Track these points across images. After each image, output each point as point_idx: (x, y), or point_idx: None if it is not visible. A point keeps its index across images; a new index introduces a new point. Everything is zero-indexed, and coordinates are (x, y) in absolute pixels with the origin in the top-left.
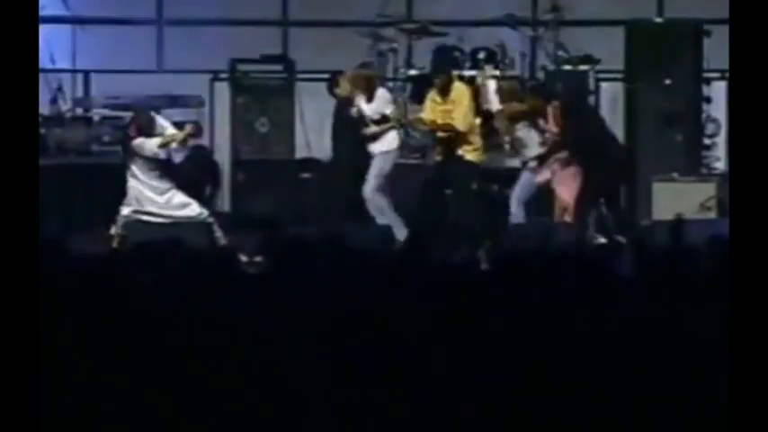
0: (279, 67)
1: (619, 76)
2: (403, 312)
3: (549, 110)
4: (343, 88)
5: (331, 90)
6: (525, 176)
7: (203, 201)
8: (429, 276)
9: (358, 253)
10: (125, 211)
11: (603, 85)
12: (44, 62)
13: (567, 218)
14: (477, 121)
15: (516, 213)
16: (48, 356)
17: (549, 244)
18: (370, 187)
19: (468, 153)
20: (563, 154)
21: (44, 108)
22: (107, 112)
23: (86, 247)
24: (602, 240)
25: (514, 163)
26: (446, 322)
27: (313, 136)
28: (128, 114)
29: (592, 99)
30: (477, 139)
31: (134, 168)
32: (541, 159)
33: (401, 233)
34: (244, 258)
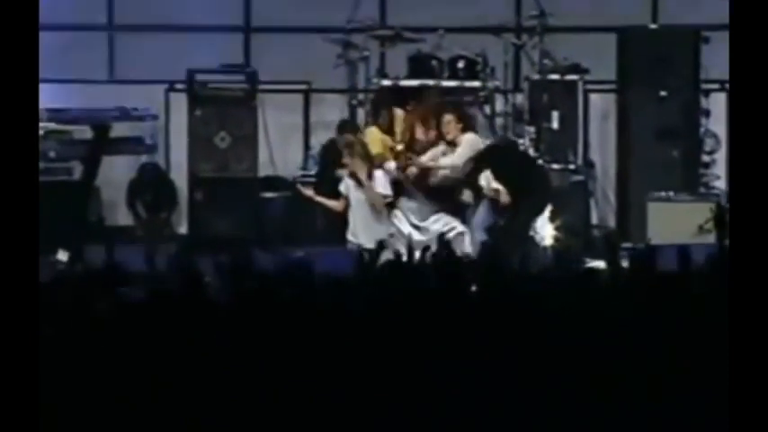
0: (240, 78)
1: (610, 86)
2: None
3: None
4: None
5: None
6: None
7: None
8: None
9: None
10: None
11: (593, 96)
12: None
13: None
14: None
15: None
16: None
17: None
18: None
19: None
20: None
21: None
22: (53, 125)
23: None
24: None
25: None
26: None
27: (277, 152)
28: (76, 128)
29: (580, 111)
30: None
31: None
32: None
33: None
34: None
